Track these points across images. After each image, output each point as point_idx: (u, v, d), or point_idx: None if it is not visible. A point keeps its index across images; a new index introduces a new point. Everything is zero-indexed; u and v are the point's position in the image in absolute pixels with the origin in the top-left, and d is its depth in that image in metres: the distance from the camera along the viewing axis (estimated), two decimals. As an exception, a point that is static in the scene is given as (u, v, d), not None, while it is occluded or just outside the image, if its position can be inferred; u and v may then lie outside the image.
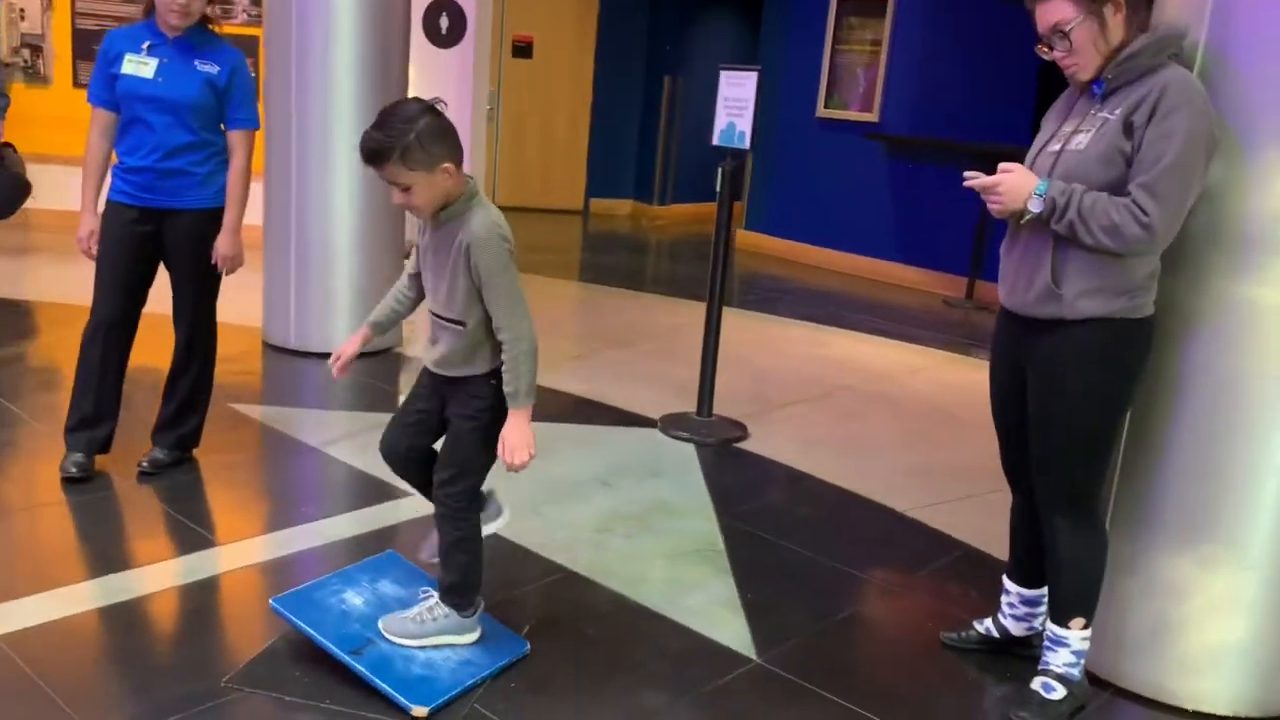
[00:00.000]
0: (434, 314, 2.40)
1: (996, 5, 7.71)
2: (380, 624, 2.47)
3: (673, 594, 2.96)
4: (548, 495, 3.57)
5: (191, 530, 3.15)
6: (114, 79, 3.25)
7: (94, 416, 3.38)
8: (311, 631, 2.43)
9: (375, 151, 2.20)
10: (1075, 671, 2.49)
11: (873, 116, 8.48)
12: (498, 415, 2.37)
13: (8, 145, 6.59)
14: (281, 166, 4.92)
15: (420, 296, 2.52)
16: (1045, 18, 2.31)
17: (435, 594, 2.51)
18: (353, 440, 3.92)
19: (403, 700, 2.29)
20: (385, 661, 2.39)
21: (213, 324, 3.54)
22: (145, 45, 3.25)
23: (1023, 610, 2.71)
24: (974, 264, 7.67)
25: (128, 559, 2.95)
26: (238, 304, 5.30)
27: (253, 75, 3.42)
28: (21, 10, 7.20)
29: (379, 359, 4.95)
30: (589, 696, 2.44)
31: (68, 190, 7.54)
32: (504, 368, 2.32)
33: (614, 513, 3.48)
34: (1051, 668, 2.50)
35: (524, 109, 10.79)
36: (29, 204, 6.71)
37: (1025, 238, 2.38)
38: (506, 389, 2.32)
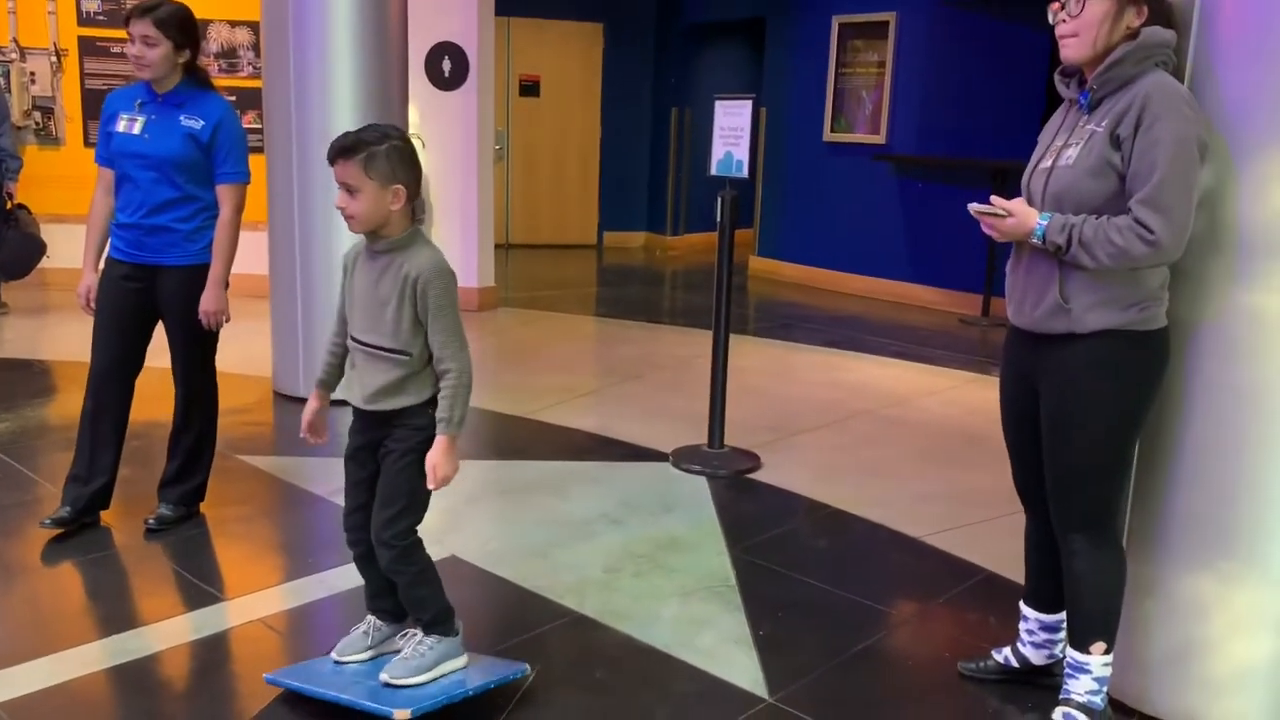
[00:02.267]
0: (366, 344, 2.39)
1: (1000, 22, 7.69)
2: (384, 676, 2.44)
3: (683, 633, 2.90)
4: (556, 536, 3.53)
5: (198, 587, 3.13)
6: (110, 137, 3.31)
7: (85, 473, 3.40)
8: (300, 685, 2.45)
9: (345, 147, 2.29)
10: (1098, 700, 2.41)
11: (880, 138, 8.46)
12: None
13: (21, 206, 6.70)
14: (285, 215, 4.95)
15: None
16: None
17: (416, 631, 2.51)
18: (362, 487, 3.90)
19: (385, 709, 2.31)
20: (375, 693, 2.40)
21: (211, 379, 3.54)
22: (137, 103, 3.30)
23: (1042, 637, 2.63)
24: (988, 281, 7.60)
25: (134, 618, 2.92)
26: (248, 354, 5.34)
27: (242, 128, 3.43)
28: (32, 74, 7.33)
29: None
30: (597, 744, 2.39)
31: (81, 249, 7.66)
32: (442, 396, 2.34)
33: (623, 551, 3.44)
34: (1073, 697, 2.42)
35: (534, 147, 10.87)
36: (44, 263, 6.80)
37: (1030, 254, 2.35)
38: (441, 415, 2.34)
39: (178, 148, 3.26)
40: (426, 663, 2.45)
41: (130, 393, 3.45)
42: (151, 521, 3.46)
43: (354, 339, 2.42)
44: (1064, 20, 2.26)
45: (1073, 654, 2.43)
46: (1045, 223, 2.24)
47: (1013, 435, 2.55)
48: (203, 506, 3.62)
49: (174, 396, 3.49)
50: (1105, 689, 2.43)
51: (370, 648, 2.56)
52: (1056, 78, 2.43)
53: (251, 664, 2.73)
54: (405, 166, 2.32)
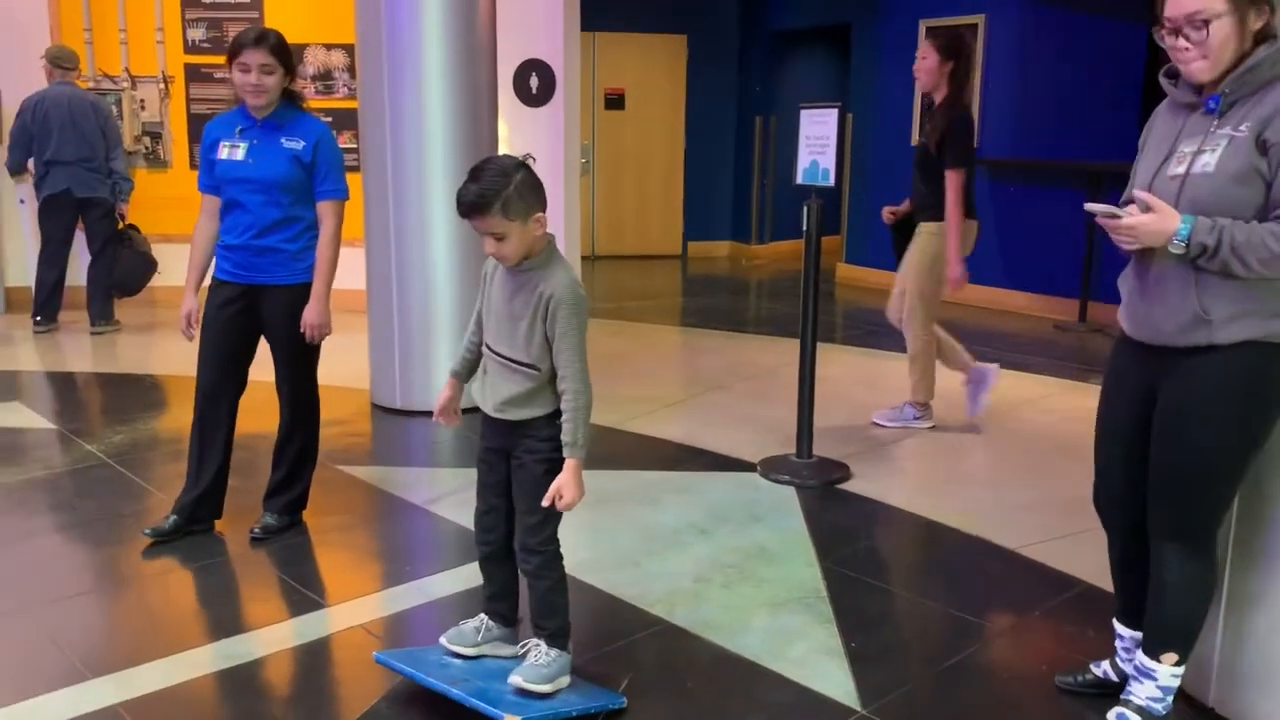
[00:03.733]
0: (499, 355, 2.46)
1: (1092, 19, 7.51)
2: (513, 680, 2.47)
3: (774, 644, 2.90)
4: (645, 546, 3.56)
5: (301, 593, 3.24)
6: (213, 165, 3.43)
7: (192, 484, 3.56)
8: (411, 671, 2.52)
9: (476, 204, 2.32)
10: (1159, 707, 2.37)
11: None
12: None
13: (132, 227, 7.02)
14: (380, 231, 5.09)
15: None
16: (1183, 3, 2.17)
17: (538, 641, 2.55)
18: (456, 497, 3.98)
19: (496, 712, 2.36)
20: (482, 692, 2.45)
21: (313, 393, 3.65)
22: (238, 130, 3.41)
23: (1138, 653, 2.57)
24: (1085, 285, 7.41)
25: (242, 623, 3.04)
26: (347, 368, 5.50)
27: (339, 147, 3.54)
28: (142, 101, 7.67)
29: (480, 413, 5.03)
30: (688, 752, 2.41)
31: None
32: (565, 418, 2.39)
33: (712, 561, 3.45)
34: (1132, 699, 2.39)
35: (619, 159, 10.96)
36: (155, 281, 7.11)
37: (1158, 263, 2.25)
38: (565, 439, 2.40)
39: (283, 170, 3.36)
40: (551, 673, 2.50)
41: (235, 410, 3.58)
42: (257, 530, 3.59)
43: (488, 347, 2.50)
44: (1186, 49, 2.18)
45: (1142, 658, 2.39)
46: (1190, 224, 2.14)
47: (1105, 449, 2.49)
48: (305, 515, 3.74)
49: (279, 410, 3.62)
50: (1170, 698, 2.38)
51: (478, 644, 2.62)
52: (1163, 80, 2.35)
53: (353, 669, 2.82)
54: (535, 194, 2.37)
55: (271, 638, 2.95)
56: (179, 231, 7.77)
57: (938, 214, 4.60)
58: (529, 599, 2.59)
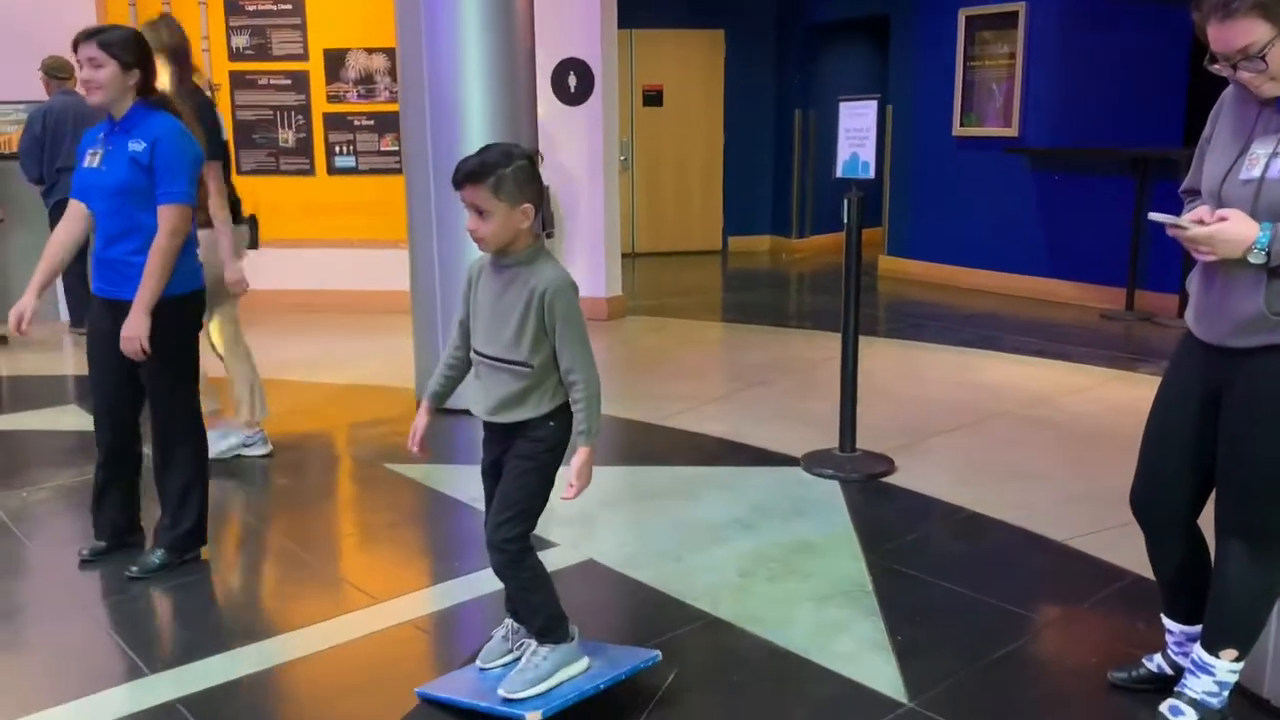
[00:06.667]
0: (490, 358, 2.44)
1: (1136, 3, 7.40)
2: (502, 692, 2.46)
3: (820, 638, 2.90)
4: (689, 540, 3.58)
5: (354, 589, 3.29)
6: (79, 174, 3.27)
7: (100, 509, 3.47)
8: (446, 697, 2.54)
9: (472, 172, 2.32)
10: (1214, 701, 2.34)
11: (1012, 130, 8.24)
12: (556, 456, 2.45)
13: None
14: (423, 233, 5.15)
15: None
16: (1230, 40, 2.06)
17: (530, 641, 2.55)
18: (501, 494, 4.02)
19: (517, 712, 2.37)
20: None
21: (188, 414, 3.38)
22: (100, 137, 3.23)
23: (1191, 647, 2.53)
24: (1132, 274, 7.31)
25: (295, 619, 3.09)
26: (392, 367, 5.57)
27: (188, 146, 3.22)
28: (189, 108, 7.79)
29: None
30: (736, 745, 2.42)
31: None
32: (576, 408, 2.40)
33: (757, 555, 3.45)
34: (1187, 691, 2.36)
35: (658, 156, 10.98)
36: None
37: (1228, 266, 2.18)
38: (579, 428, 2.40)
39: (124, 175, 3.13)
40: (542, 673, 2.47)
41: (135, 427, 3.41)
42: (134, 570, 3.32)
43: (477, 351, 2.48)
44: (1250, 77, 2.11)
45: (1200, 652, 2.36)
46: (1269, 231, 2.07)
47: (1155, 448, 2.45)
48: (354, 514, 3.77)
49: (152, 439, 3.40)
50: (1226, 693, 2.35)
51: (510, 651, 2.65)
52: (1225, 71, 2.24)
53: (403, 665, 2.86)
54: (531, 185, 2.37)
55: (327, 633, 2.99)
56: (226, 236, 7.90)
57: (204, 218, 4.02)
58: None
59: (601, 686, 2.48)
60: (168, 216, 3.14)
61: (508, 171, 2.32)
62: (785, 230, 11.31)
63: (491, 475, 2.55)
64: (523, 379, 2.40)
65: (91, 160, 3.21)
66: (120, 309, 3.18)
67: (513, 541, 2.44)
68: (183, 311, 3.27)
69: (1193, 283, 2.35)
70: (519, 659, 2.55)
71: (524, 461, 2.43)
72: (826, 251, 10.77)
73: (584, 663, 2.55)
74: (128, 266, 3.18)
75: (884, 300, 8.38)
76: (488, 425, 2.52)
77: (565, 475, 2.44)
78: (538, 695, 2.44)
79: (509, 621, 2.67)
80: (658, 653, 2.61)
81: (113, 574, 3.36)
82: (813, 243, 11.15)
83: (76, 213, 3.28)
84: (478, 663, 2.66)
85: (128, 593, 3.25)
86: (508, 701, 2.43)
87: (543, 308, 2.36)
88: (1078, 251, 7.92)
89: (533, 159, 2.41)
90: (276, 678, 2.77)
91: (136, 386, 3.31)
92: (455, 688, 2.59)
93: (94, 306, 3.33)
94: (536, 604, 2.51)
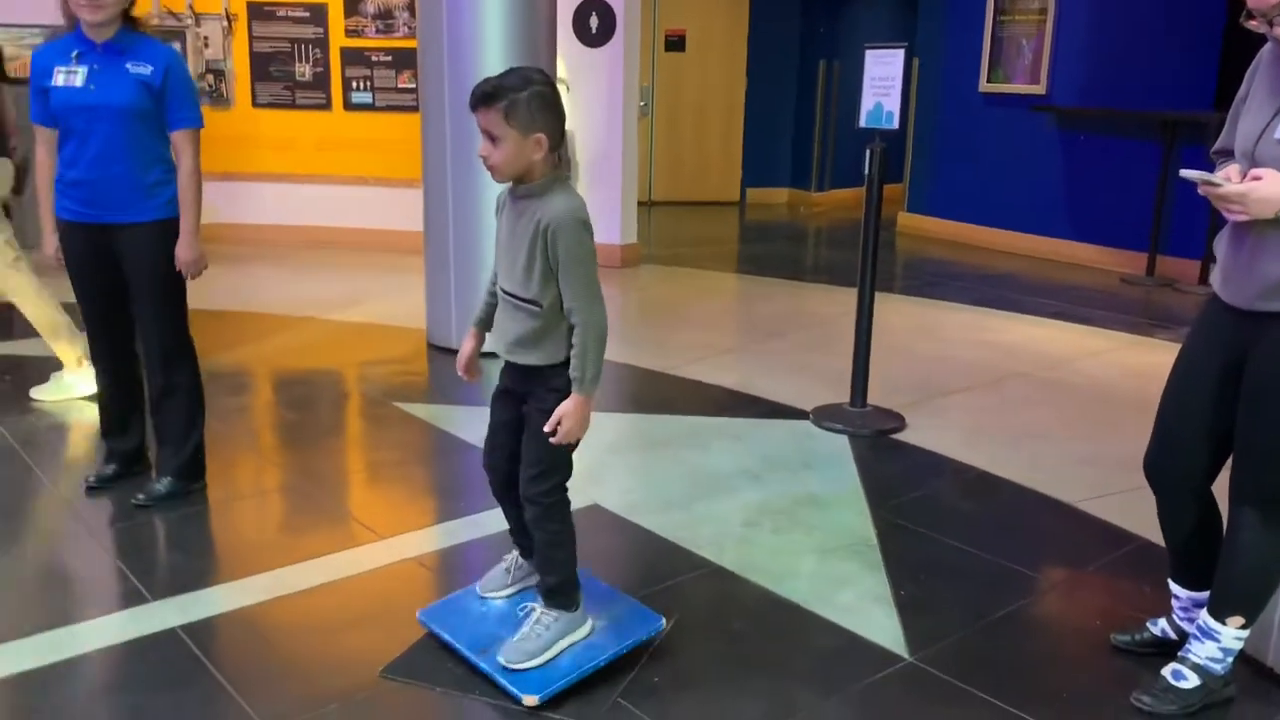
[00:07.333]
0: (506, 292, 2.36)
1: (1174, -39, 7.21)
2: (501, 659, 2.41)
3: (822, 590, 2.90)
4: (696, 489, 3.57)
5: (360, 525, 3.29)
6: (47, 93, 3.16)
7: (108, 436, 3.52)
8: (447, 637, 2.53)
9: (487, 94, 2.22)
10: (1217, 667, 2.34)
11: (1039, 88, 8.09)
12: None
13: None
14: (438, 172, 5.09)
15: None
16: None
17: (535, 605, 2.50)
18: (508, 436, 4.01)
19: (514, 690, 2.34)
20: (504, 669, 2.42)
21: (186, 337, 3.40)
22: (74, 54, 3.13)
23: (1196, 613, 2.51)
24: (1154, 239, 7.20)
25: (299, 552, 3.10)
26: (403, 308, 5.54)
27: (191, 74, 3.32)
28: (205, 38, 7.72)
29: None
30: (734, 692, 2.42)
31: (249, 204, 8.04)
32: (573, 351, 2.29)
33: (763, 507, 3.44)
34: (1190, 656, 2.36)
35: (678, 103, 10.83)
36: (212, 218, 7.19)
37: (1259, 228, 2.15)
38: (573, 373, 2.29)
39: (129, 96, 3.11)
40: (544, 643, 2.41)
41: (132, 350, 3.42)
42: (140, 497, 3.36)
43: (500, 286, 2.41)
44: None
45: (1206, 618, 2.35)
46: None
47: (1172, 412, 2.41)
48: (362, 451, 3.76)
49: (144, 364, 3.40)
50: (1230, 659, 2.35)
51: (511, 584, 2.64)
52: (1262, 28, 2.18)
53: (406, 600, 2.86)
54: (547, 113, 2.24)
55: (331, 566, 3.00)
56: (241, 169, 7.87)
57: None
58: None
59: (601, 663, 2.42)
60: (193, 140, 3.23)
61: (522, 97, 2.20)
62: (805, 183, 11.19)
63: (500, 402, 2.49)
64: (535, 319, 2.31)
65: (70, 79, 3.11)
66: (119, 233, 3.19)
67: (547, 495, 2.38)
68: (171, 237, 3.25)
69: (1220, 244, 2.29)
70: (521, 622, 2.49)
71: (544, 416, 2.33)
72: (845, 206, 10.65)
73: (587, 626, 2.49)
74: (132, 186, 3.16)
75: (902, 257, 8.30)
76: (506, 361, 2.45)
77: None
78: (537, 668, 2.39)
79: (514, 554, 2.66)
80: (662, 619, 2.57)
81: (119, 501, 3.38)
82: (832, 197, 11.03)
83: (53, 140, 3.23)
84: (478, 589, 2.65)
85: (133, 519, 3.27)
86: (506, 670, 2.38)
87: (546, 243, 2.25)
88: (1100, 214, 7.81)
89: (553, 85, 2.29)
90: (279, 609, 2.79)
91: (129, 314, 3.34)
92: (456, 618, 2.58)
93: (65, 233, 3.26)
94: (560, 560, 2.45)
